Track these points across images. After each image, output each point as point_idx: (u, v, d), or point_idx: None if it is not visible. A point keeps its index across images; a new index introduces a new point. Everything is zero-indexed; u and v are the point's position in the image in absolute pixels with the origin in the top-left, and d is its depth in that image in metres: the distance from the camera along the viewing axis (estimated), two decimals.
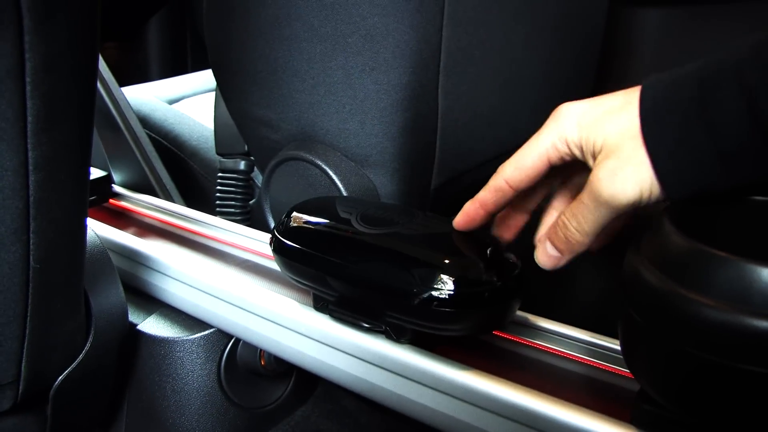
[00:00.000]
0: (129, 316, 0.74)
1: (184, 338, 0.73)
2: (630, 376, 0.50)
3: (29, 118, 0.43)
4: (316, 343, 0.61)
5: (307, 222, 0.60)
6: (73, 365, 0.60)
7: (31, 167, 0.45)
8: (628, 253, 0.43)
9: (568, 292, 0.78)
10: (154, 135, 1.12)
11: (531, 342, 0.58)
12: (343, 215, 0.59)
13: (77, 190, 0.52)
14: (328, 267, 0.56)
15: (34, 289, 0.50)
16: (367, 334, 0.57)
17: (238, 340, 0.76)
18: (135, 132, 0.98)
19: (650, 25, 1.23)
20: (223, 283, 0.68)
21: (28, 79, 0.42)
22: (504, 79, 0.79)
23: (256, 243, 0.77)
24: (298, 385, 0.85)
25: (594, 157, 0.45)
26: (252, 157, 0.93)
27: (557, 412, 0.47)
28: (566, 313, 0.62)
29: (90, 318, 0.62)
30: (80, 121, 0.49)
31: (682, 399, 0.40)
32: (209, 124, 1.07)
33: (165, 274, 0.73)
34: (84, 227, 0.56)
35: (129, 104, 1.00)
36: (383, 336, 0.56)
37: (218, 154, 0.96)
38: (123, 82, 1.20)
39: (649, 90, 0.43)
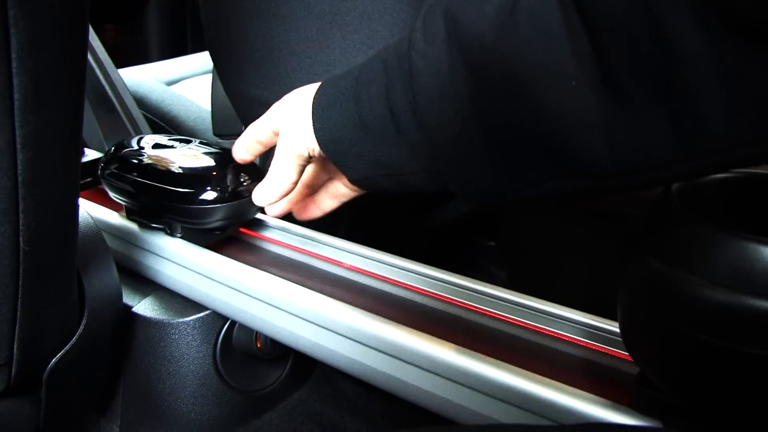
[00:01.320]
0: (124, 298, 0.73)
1: (180, 321, 0.73)
2: (629, 359, 0.49)
3: (15, 95, 0.42)
4: (312, 325, 0.60)
5: (120, 153, 0.73)
6: (67, 347, 0.59)
7: (18, 146, 0.44)
8: (629, 234, 0.42)
9: (565, 273, 0.77)
10: (151, 116, 1.11)
11: (529, 324, 0.57)
12: (142, 144, 0.73)
13: (68, 170, 0.51)
14: (127, 183, 0.71)
15: (25, 271, 0.49)
16: (364, 316, 0.57)
17: (233, 323, 0.75)
18: (132, 113, 0.97)
19: None
20: (218, 264, 0.67)
21: (13, 55, 0.41)
22: None
23: (253, 224, 0.76)
24: (295, 368, 0.85)
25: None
26: None
27: (555, 395, 0.47)
28: (565, 296, 0.61)
29: (83, 300, 0.62)
30: (71, 100, 0.49)
31: (682, 383, 0.39)
32: (207, 105, 1.06)
33: (160, 256, 0.72)
34: (76, 208, 0.55)
35: (126, 85, 0.99)
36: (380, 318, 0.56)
37: (215, 134, 0.95)
38: (122, 63, 1.19)
39: (329, 79, 0.53)
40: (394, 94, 0.47)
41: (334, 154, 0.52)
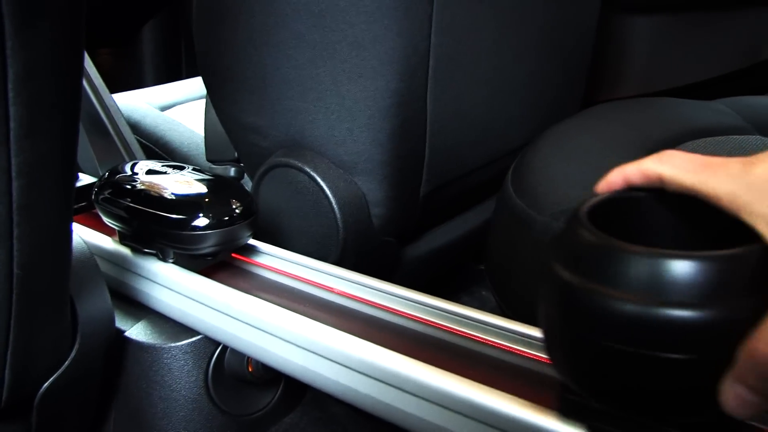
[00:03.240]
0: (116, 322, 0.73)
1: (172, 345, 0.73)
2: None
3: (12, 124, 0.43)
4: (302, 350, 0.61)
5: (114, 178, 0.74)
6: (59, 372, 0.60)
7: (14, 173, 0.45)
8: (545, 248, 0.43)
9: None
10: (144, 141, 1.12)
11: (518, 350, 0.58)
12: (136, 170, 0.74)
13: (62, 196, 0.52)
14: (120, 208, 0.71)
15: (18, 295, 0.50)
16: (355, 341, 0.57)
17: (225, 347, 0.76)
18: (125, 138, 0.98)
19: (640, 33, 1.24)
20: (209, 290, 0.67)
21: (10, 86, 0.42)
22: (493, 86, 0.79)
23: (245, 249, 0.77)
24: (286, 392, 0.85)
25: None
26: (242, 164, 0.93)
27: (543, 420, 0.47)
28: None
29: (76, 325, 0.62)
30: (65, 128, 0.49)
31: (597, 388, 0.41)
32: (200, 131, 1.07)
33: (152, 281, 0.73)
34: (69, 234, 0.56)
35: (120, 110, 1.00)
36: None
37: (209, 160, 0.96)
38: (117, 88, 1.20)
39: None
40: None
41: None
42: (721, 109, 0.94)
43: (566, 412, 0.46)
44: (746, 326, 0.35)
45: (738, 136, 0.86)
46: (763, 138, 0.86)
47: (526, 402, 0.49)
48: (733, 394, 0.36)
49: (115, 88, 1.08)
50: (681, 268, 0.35)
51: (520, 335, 0.58)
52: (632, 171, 0.43)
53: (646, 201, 0.43)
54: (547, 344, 0.43)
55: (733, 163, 0.39)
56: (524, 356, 0.57)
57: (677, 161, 0.41)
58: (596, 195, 0.44)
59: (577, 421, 0.46)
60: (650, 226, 0.43)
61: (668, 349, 0.36)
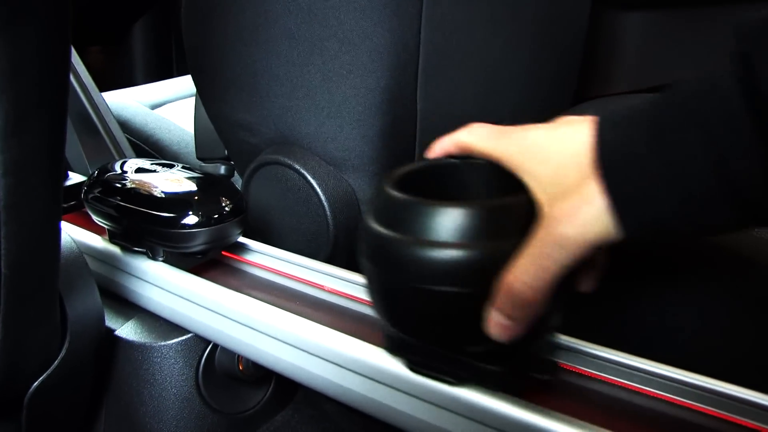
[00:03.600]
0: (106, 321, 0.73)
1: (162, 344, 0.73)
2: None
3: None
4: (294, 348, 0.60)
5: (103, 177, 0.74)
6: (48, 372, 0.60)
7: (1, 172, 0.45)
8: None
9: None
10: (134, 140, 1.12)
11: None
12: (126, 169, 0.74)
13: (50, 195, 0.52)
14: (110, 207, 0.71)
15: (6, 295, 0.50)
16: (344, 340, 0.57)
17: (216, 346, 0.75)
18: (115, 137, 0.98)
19: (633, 28, 1.24)
20: (200, 288, 0.67)
21: None
22: (483, 82, 0.79)
23: (235, 247, 0.76)
24: (277, 390, 0.85)
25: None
26: (232, 162, 0.93)
27: (530, 417, 0.47)
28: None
29: (66, 323, 0.62)
30: (52, 125, 0.49)
31: (403, 325, 0.50)
32: (190, 129, 1.06)
33: (142, 279, 0.73)
34: (58, 232, 0.55)
35: (109, 109, 0.99)
36: (363, 339, 0.56)
37: (199, 158, 0.95)
38: (107, 86, 1.19)
39: (604, 130, 0.42)
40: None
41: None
42: None
43: (390, 349, 0.53)
44: (502, 264, 0.43)
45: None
46: None
47: (515, 398, 0.49)
48: (493, 322, 0.44)
49: (105, 87, 1.07)
50: (451, 215, 0.43)
51: None
52: (448, 142, 0.51)
53: (459, 166, 0.51)
54: (368, 290, 0.50)
55: (517, 131, 0.47)
56: None
57: (479, 131, 0.49)
58: (420, 161, 0.53)
59: (399, 356, 0.53)
60: (464, 186, 0.51)
61: (445, 284, 0.43)
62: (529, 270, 0.41)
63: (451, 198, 0.44)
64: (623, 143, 0.40)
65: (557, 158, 0.43)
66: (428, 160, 0.52)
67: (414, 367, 0.52)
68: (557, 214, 0.41)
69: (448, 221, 0.43)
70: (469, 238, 0.43)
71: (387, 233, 0.45)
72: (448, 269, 0.42)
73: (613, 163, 0.40)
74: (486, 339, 0.45)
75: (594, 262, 0.49)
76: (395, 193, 0.46)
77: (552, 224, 0.41)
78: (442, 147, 0.52)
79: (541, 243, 0.41)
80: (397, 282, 0.45)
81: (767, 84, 0.34)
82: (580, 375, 0.54)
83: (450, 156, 0.51)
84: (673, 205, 0.38)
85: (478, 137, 0.49)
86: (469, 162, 0.51)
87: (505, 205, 0.44)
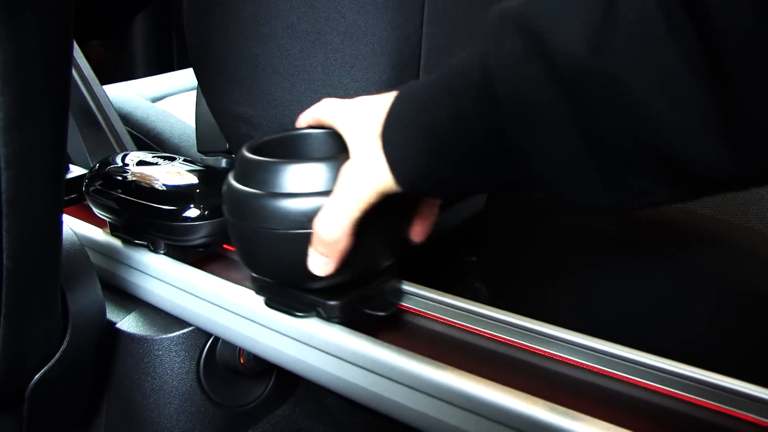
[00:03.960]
0: (108, 314, 0.73)
1: (163, 337, 0.73)
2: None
3: (0, 115, 0.43)
4: (295, 341, 0.61)
5: (105, 169, 0.75)
6: (50, 364, 0.60)
7: (2, 165, 0.45)
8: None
9: (546, 289, 0.78)
10: (135, 133, 1.11)
11: (511, 340, 0.58)
12: (127, 161, 0.76)
13: (52, 188, 0.52)
14: (111, 199, 0.73)
15: (8, 288, 0.50)
16: (346, 333, 0.57)
17: (217, 339, 0.76)
18: (116, 130, 0.98)
19: None
20: (201, 281, 0.67)
21: None
22: None
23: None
24: (278, 384, 0.85)
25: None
26: (233, 155, 0.93)
27: (533, 410, 0.47)
28: (544, 311, 0.62)
29: (67, 316, 0.62)
30: (54, 118, 0.49)
31: (257, 266, 0.59)
32: (191, 122, 1.06)
33: (144, 272, 0.73)
34: (59, 225, 0.55)
35: (110, 102, 0.99)
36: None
37: (200, 151, 0.95)
38: (108, 79, 1.19)
39: (398, 98, 0.50)
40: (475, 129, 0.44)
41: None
42: None
43: (255, 291, 0.62)
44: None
45: None
46: None
47: (516, 392, 0.49)
48: (312, 260, 0.52)
49: (106, 80, 1.07)
50: (287, 171, 0.53)
51: (512, 326, 0.58)
52: (305, 116, 0.60)
53: (314, 135, 0.61)
54: (232, 242, 0.58)
55: (352, 102, 0.54)
56: (516, 347, 0.57)
57: (327, 105, 0.57)
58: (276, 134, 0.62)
59: (262, 296, 0.62)
60: (318, 152, 0.60)
61: (283, 227, 0.52)
62: (331, 213, 0.50)
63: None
64: (401, 109, 0.49)
65: (366, 121, 0.51)
66: (285, 131, 0.62)
67: (269, 303, 0.62)
68: (354, 167, 0.50)
69: (285, 176, 0.53)
70: (301, 189, 0.52)
71: (242, 188, 0.54)
72: (286, 215, 0.52)
73: (388, 127, 0.49)
74: (317, 277, 0.53)
75: (423, 215, 0.59)
76: (249, 156, 0.55)
77: (349, 175, 0.50)
78: (301, 120, 0.61)
79: (339, 190, 0.50)
80: (249, 229, 0.54)
81: (495, 60, 0.42)
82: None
83: (310, 126, 0.60)
84: (433, 162, 0.47)
85: (324, 110, 0.57)
86: (313, 131, 0.61)
87: (328, 161, 0.53)
